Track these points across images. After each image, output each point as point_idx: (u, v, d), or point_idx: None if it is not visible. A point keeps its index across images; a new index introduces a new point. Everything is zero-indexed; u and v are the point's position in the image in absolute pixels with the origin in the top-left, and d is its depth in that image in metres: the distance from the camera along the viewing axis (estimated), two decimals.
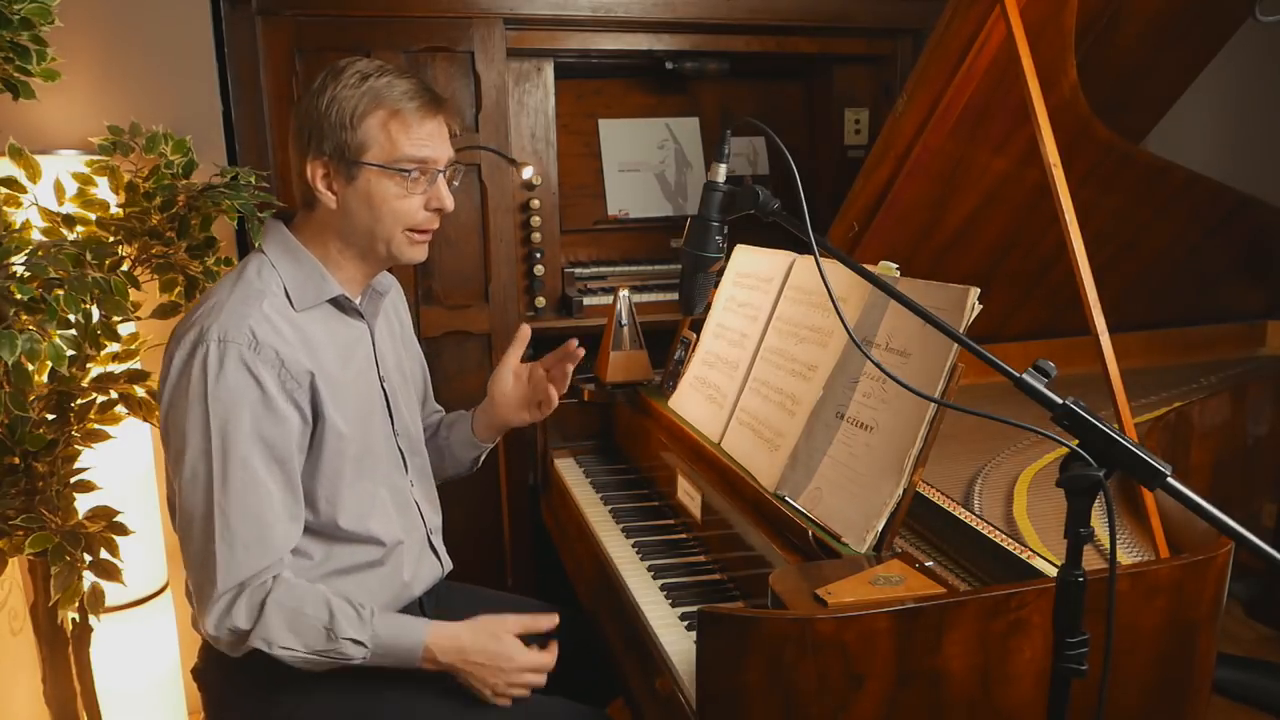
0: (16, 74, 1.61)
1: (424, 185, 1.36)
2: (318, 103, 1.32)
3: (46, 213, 1.79)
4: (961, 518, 1.42)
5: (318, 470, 1.37)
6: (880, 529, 1.26)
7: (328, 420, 1.36)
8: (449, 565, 1.60)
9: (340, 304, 1.42)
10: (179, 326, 1.34)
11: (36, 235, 1.77)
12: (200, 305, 1.34)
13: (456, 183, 1.43)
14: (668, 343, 2.16)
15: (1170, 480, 0.89)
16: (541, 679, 1.38)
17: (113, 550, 1.73)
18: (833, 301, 1.21)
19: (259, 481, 1.28)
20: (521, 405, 1.71)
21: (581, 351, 1.64)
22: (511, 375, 1.71)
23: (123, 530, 1.74)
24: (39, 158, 1.82)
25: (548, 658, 1.38)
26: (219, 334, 1.27)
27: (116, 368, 1.85)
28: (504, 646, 1.34)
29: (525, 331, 1.71)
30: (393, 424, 1.51)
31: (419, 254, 1.42)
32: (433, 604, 1.56)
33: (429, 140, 1.36)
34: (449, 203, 1.40)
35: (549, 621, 1.42)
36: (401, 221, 1.37)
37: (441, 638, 1.33)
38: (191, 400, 1.26)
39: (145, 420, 1.87)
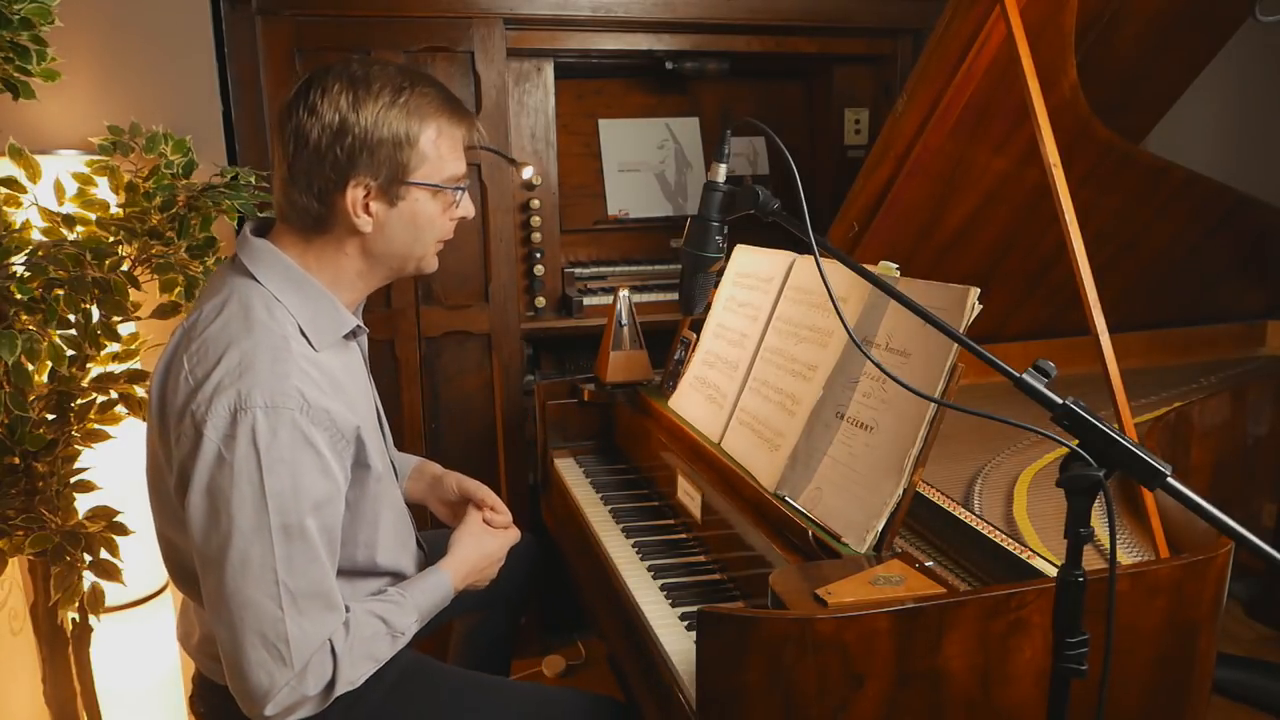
0: (16, 74, 1.61)
1: (456, 199, 1.32)
2: (357, 117, 1.20)
3: (46, 213, 1.79)
4: (961, 518, 1.42)
5: (360, 518, 1.30)
6: (880, 529, 1.26)
7: (372, 470, 1.29)
8: (425, 549, 1.60)
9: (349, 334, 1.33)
10: (187, 379, 1.17)
11: (36, 235, 1.77)
12: (209, 356, 1.17)
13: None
14: (668, 343, 2.16)
15: (1170, 480, 0.89)
16: (510, 545, 1.53)
17: (113, 550, 1.73)
18: (833, 301, 1.21)
19: (318, 551, 1.18)
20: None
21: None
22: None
23: (123, 530, 1.74)
24: (39, 158, 1.82)
25: (514, 533, 1.53)
26: (265, 399, 1.12)
27: (116, 368, 1.86)
28: (489, 545, 1.48)
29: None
30: (384, 439, 1.48)
31: (436, 264, 1.37)
32: None
33: (464, 153, 1.32)
34: (472, 211, 1.35)
35: (487, 497, 1.57)
36: (437, 236, 1.32)
37: (460, 569, 1.42)
38: (239, 478, 1.12)
39: (145, 420, 1.87)
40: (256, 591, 1.13)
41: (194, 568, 1.20)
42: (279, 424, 1.13)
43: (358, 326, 1.32)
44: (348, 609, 1.24)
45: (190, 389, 1.16)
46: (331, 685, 1.20)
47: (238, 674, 1.16)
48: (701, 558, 1.66)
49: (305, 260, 1.27)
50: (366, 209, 1.24)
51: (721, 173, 1.40)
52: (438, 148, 1.25)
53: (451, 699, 1.41)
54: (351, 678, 1.22)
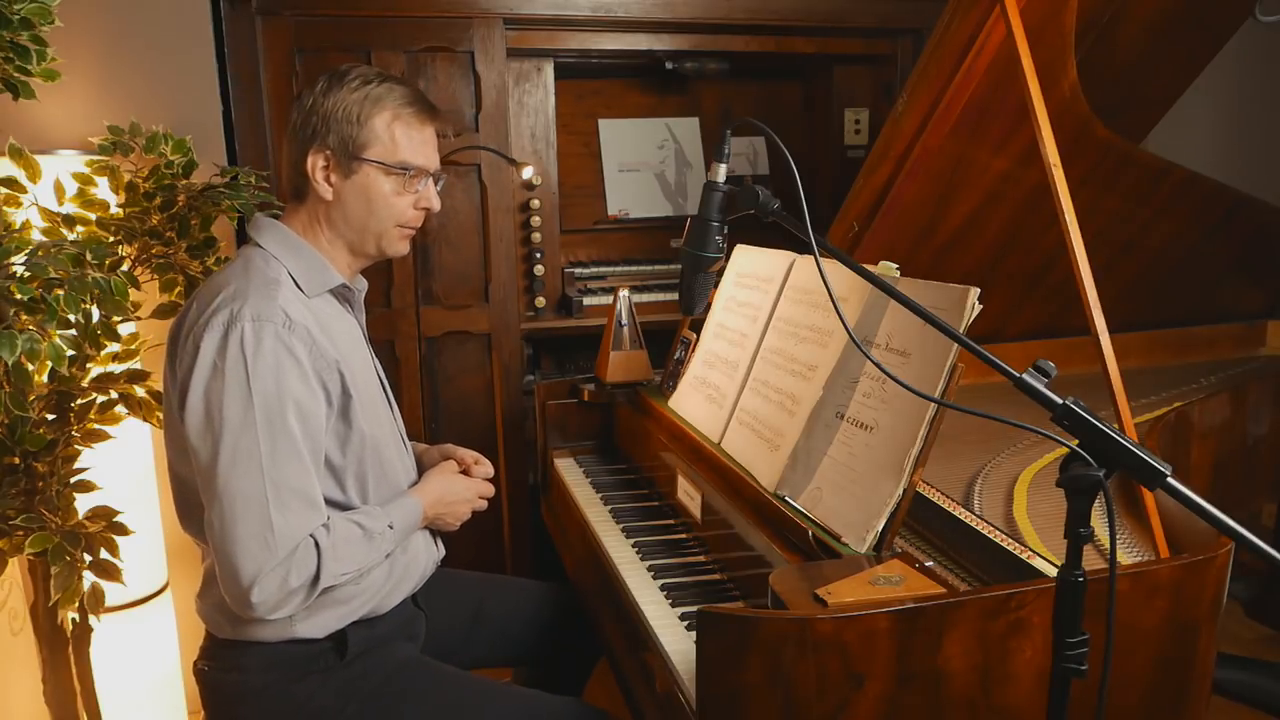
0: (16, 74, 1.61)
1: (416, 186, 1.45)
2: (324, 100, 1.40)
3: (46, 213, 1.79)
4: (961, 518, 1.42)
5: (348, 449, 1.40)
6: (880, 529, 1.26)
7: (354, 402, 1.39)
8: (443, 551, 1.65)
9: (339, 294, 1.48)
10: (193, 316, 1.33)
11: (36, 235, 1.77)
12: (212, 295, 1.33)
13: (440, 186, 1.52)
14: (668, 343, 2.16)
15: (1170, 480, 0.89)
16: (484, 504, 1.63)
17: (113, 550, 1.73)
18: (833, 301, 1.21)
19: (300, 450, 1.30)
20: None
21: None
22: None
23: (123, 530, 1.74)
24: (39, 158, 1.82)
25: (488, 486, 1.64)
26: (252, 313, 1.29)
27: (116, 368, 1.85)
28: (457, 482, 1.58)
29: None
30: (394, 419, 1.57)
31: (405, 249, 1.51)
32: (424, 595, 1.58)
33: (424, 146, 1.46)
34: (437, 204, 1.50)
35: (467, 455, 1.67)
36: (394, 217, 1.45)
37: (428, 496, 1.52)
38: (229, 379, 1.27)
39: (145, 420, 1.87)
40: (245, 481, 1.26)
41: (199, 499, 1.31)
42: (263, 333, 1.29)
43: (344, 287, 1.46)
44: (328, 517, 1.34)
45: (194, 317, 1.33)
46: (316, 579, 1.29)
47: (228, 565, 1.26)
48: (701, 558, 1.66)
49: (297, 228, 1.45)
50: (327, 178, 1.41)
51: (721, 173, 1.40)
52: (391, 132, 1.41)
53: (451, 699, 1.43)
54: (335, 572, 1.31)
